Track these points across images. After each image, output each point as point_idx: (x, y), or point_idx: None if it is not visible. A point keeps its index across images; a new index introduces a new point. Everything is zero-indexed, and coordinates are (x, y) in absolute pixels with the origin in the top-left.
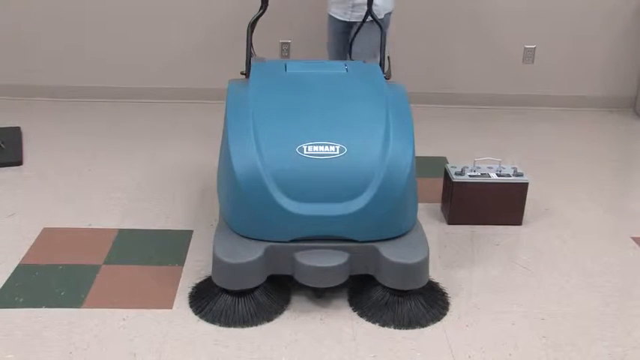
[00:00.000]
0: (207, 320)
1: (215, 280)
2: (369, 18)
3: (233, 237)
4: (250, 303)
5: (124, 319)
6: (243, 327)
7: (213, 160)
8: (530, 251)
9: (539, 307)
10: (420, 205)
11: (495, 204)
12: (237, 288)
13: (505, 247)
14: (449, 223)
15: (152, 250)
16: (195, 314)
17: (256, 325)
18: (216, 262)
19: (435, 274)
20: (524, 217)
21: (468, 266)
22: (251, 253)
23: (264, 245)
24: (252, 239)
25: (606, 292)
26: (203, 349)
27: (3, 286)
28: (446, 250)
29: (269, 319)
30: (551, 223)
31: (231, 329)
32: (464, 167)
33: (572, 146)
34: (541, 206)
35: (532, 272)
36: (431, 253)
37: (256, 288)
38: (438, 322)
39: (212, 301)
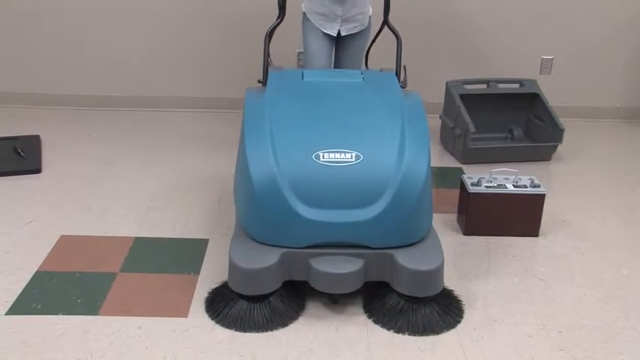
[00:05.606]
0: (222, 325)
1: (231, 285)
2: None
3: (249, 243)
4: (266, 308)
5: (139, 327)
6: (258, 332)
7: (229, 169)
8: (546, 263)
9: (555, 320)
10: (436, 216)
11: (512, 215)
12: (252, 293)
13: (521, 259)
14: (465, 234)
15: (168, 258)
16: (211, 319)
17: (271, 330)
18: (233, 267)
19: (451, 284)
20: (541, 228)
21: (484, 277)
22: (267, 258)
23: (279, 251)
24: (268, 245)
25: (625, 306)
26: (218, 358)
27: (21, 293)
28: (462, 261)
29: (284, 325)
30: (569, 235)
31: (246, 338)
32: (480, 178)
33: (590, 158)
34: (558, 218)
35: (549, 284)
36: (446, 263)
37: (272, 293)
38: (454, 334)
39: (228, 306)
